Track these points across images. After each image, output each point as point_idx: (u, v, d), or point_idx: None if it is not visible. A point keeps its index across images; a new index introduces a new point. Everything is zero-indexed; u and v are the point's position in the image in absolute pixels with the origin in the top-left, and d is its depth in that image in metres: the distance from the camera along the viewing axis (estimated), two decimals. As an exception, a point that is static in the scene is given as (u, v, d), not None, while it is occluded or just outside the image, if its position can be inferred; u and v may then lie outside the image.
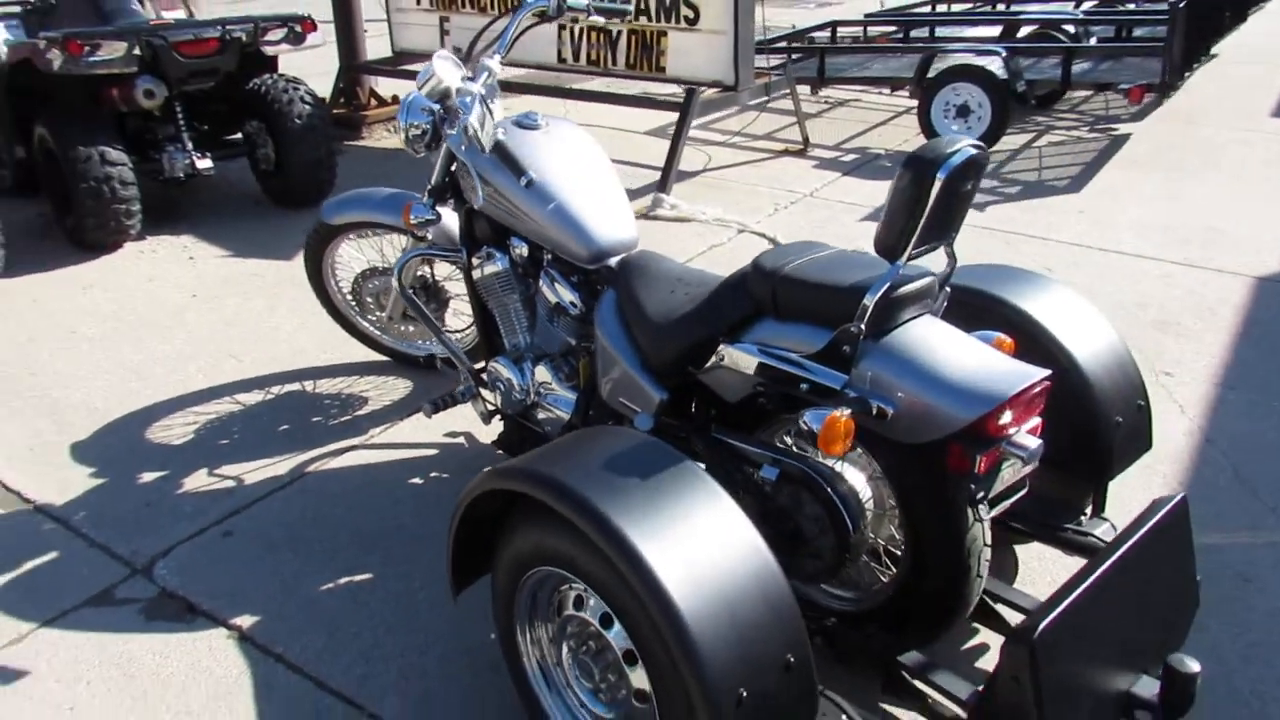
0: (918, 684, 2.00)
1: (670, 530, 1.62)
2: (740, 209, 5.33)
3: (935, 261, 2.04)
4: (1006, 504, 1.99)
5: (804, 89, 7.25)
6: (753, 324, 2.14)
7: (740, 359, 2.13)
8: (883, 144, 6.65)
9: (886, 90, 7.34)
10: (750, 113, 7.29)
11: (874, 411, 1.90)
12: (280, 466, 3.04)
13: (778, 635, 1.60)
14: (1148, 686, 1.80)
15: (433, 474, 3.01)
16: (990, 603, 2.23)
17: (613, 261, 2.50)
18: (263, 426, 3.27)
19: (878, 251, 1.90)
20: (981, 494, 1.89)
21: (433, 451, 3.13)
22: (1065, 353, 2.26)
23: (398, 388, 3.49)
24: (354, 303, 3.50)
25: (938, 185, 1.79)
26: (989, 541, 2.01)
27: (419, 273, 3.22)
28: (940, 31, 8.10)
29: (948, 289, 2.09)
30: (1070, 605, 1.67)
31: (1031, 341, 2.26)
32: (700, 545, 1.62)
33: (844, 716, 1.79)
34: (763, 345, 2.10)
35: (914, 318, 1.98)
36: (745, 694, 1.54)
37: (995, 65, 6.19)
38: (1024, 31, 7.71)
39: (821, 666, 2.19)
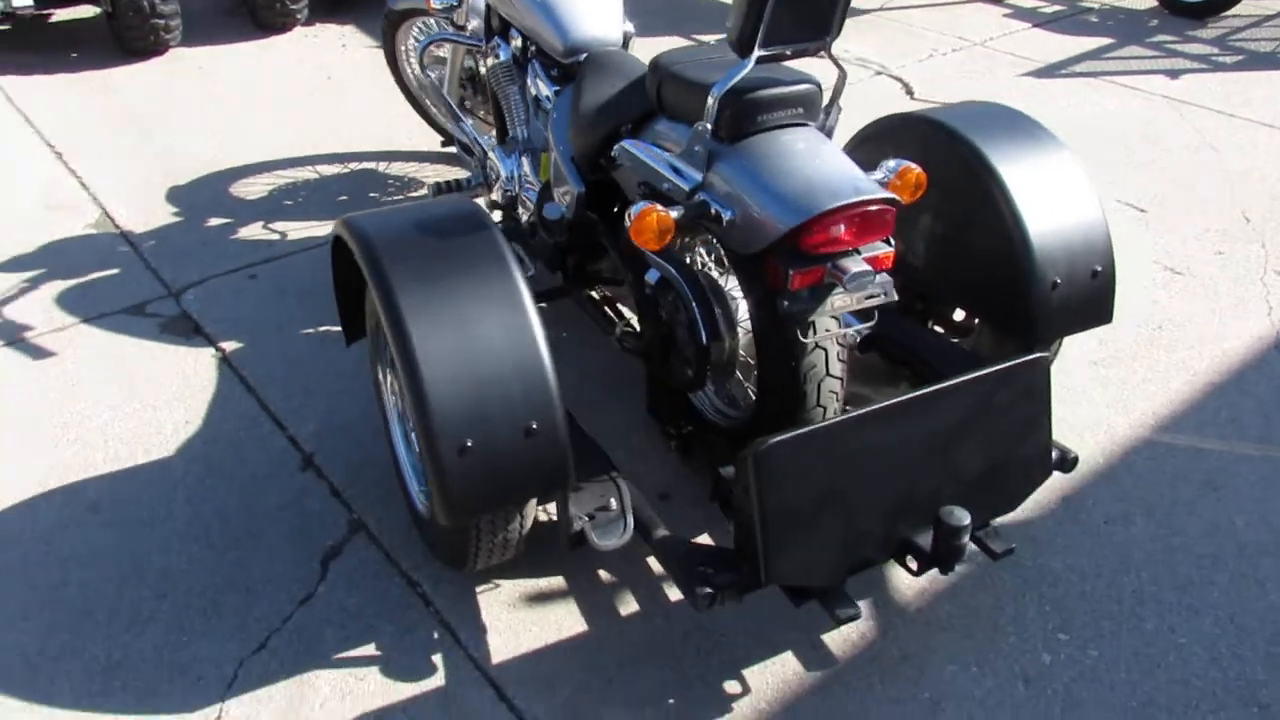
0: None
1: (438, 288, 1.68)
2: (891, 52, 4.98)
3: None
4: (848, 331, 1.89)
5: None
6: (650, 121, 2.10)
7: (630, 155, 2.11)
8: (1102, -1, 5.90)
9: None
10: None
11: (713, 215, 1.85)
12: (322, 229, 3.35)
13: (521, 402, 1.66)
14: (928, 536, 1.72)
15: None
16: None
17: (583, 57, 2.49)
18: (327, 194, 3.57)
19: (730, 46, 1.80)
20: (804, 314, 1.80)
21: (458, 237, 3.31)
22: (1009, 201, 2.04)
23: (457, 176, 3.67)
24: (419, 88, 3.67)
25: (787, -29, 1.66)
26: (836, 372, 1.93)
27: (466, 64, 3.33)
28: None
29: (840, 105, 1.95)
30: (820, 429, 1.61)
31: (977, 184, 2.07)
32: (464, 305, 1.68)
33: (613, 500, 1.84)
34: (650, 142, 2.07)
35: (784, 126, 1.87)
36: (470, 444, 1.63)
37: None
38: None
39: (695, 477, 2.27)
